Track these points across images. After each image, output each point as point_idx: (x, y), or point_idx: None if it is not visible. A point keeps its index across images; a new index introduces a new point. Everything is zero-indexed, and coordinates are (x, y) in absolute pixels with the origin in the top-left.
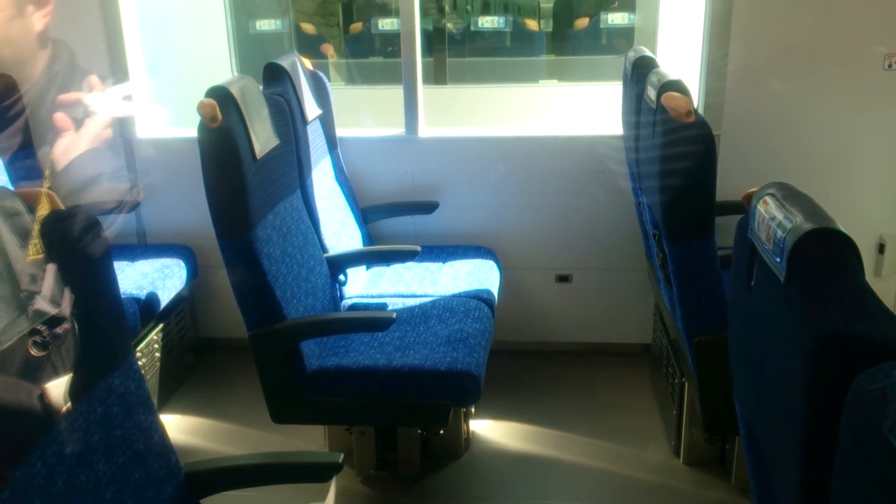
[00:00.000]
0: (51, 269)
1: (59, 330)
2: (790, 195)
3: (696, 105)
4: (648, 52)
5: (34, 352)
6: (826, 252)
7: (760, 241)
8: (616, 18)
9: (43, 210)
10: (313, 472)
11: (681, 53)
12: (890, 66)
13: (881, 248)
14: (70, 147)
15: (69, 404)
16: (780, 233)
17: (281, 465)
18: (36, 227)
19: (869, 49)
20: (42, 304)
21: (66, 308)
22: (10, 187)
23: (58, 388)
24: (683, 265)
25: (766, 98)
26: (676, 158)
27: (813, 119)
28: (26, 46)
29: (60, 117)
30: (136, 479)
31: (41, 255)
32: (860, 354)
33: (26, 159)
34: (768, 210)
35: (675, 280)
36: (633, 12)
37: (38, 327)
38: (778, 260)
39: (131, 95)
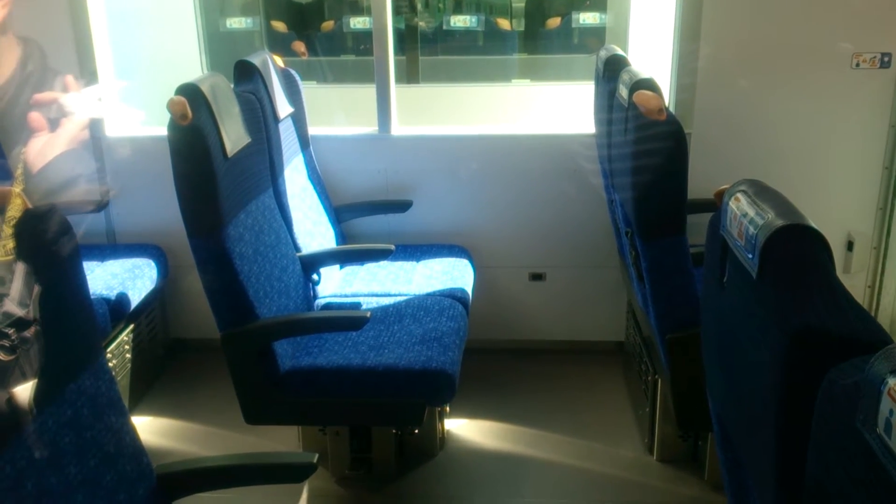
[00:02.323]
0: (20, 270)
1: (27, 333)
2: (762, 192)
3: (667, 103)
4: (620, 51)
5: (1, 356)
6: (797, 248)
7: (732, 238)
8: (588, 18)
9: (13, 210)
10: (287, 473)
11: (652, 52)
12: (857, 64)
13: (850, 246)
14: (46, 147)
15: (38, 407)
16: (751, 229)
17: (254, 466)
18: (6, 228)
19: (837, 48)
20: (10, 306)
21: (35, 310)
22: None
23: (26, 392)
24: (656, 262)
25: (737, 96)
26: (648, 156)
27: (783, 117)
28: None
29: (35, 117)
30: (108, 481)
31: (10, 257)
32: (832, 349)
33: None
34: (740, 207)
35: (648, 277)
36: (604, 12)
37: (6, 330)
38: (750, 256)
39: (101, 96)
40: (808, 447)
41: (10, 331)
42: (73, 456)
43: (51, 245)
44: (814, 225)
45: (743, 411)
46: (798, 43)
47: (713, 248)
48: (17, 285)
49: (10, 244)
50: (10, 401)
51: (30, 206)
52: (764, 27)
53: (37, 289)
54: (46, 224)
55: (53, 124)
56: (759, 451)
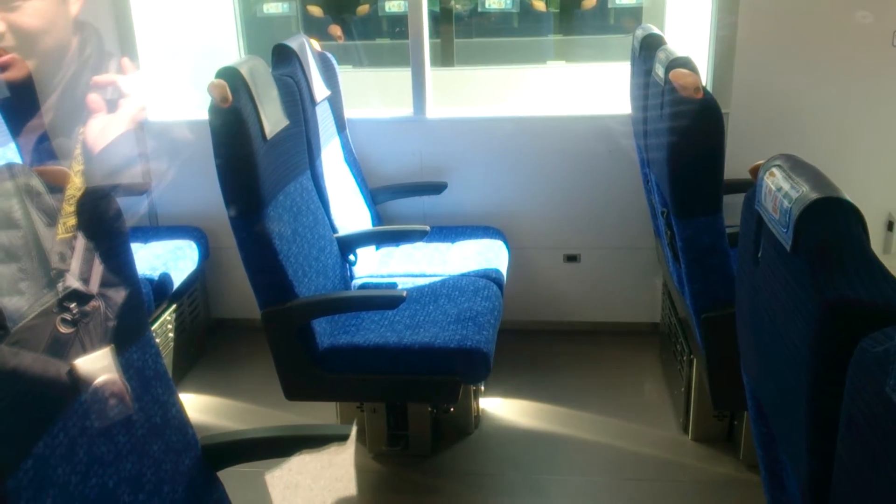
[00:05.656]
0: (79, 247)
1: (87, 307)
2: (797, 166)
3: (703, 82)
4: (657, 30)
5: (62, 329)
6: (832, 220)
7: (767, 213)
8: None
9: (72, 189)
10: (325, 445)
11: (689, 32)
12: None
13: (890, 226)
14: (107, 128)
15: (91, 379)
16: (786, 203)
17: (294, 437)
18: (67, 207)
19: (877, 25)
20: (71, 281)
21: (94, 285)
22: None
23: (81, 364)
24: (691, 241)
25: (774, 76)
26: (684, 134)
27: (821, 97)
28: (64, 33)
29: (94, 99)
30: (155, 450)
31: (70, 234)
32: (865, 319)
33: (39, 143)
34: (775, 181)
35: (684, 256)
36: None
37: (67, 305)
38: (784, 230)
39: (145, 79)
40: (839, 417)
41: (72, 305)
42: (122, 426)
43: (106, 224)
44: (847, 197)
45: (777, 385)
46: (837, 21)
47: (748, 223)
48: (76, 261)
49: (70, 222)
50: (70, 372)
51: (87, 186)
52: (803, 5)
53: (97, 264)
54: (104, 204)
55: (110, 106)
56: (792, 424)
